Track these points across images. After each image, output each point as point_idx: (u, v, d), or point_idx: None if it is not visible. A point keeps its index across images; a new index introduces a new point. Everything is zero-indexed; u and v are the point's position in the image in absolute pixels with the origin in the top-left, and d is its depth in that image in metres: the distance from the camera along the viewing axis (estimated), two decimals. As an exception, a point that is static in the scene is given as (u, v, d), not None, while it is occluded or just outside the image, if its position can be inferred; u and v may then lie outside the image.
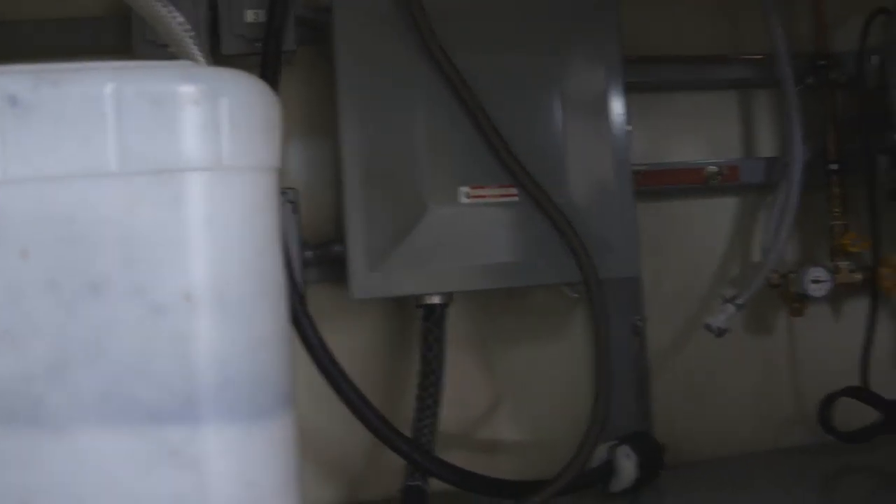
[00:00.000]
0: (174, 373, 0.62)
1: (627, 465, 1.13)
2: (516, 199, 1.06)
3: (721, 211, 1.35)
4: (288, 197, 1.03)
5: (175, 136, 0.62)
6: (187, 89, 0.63)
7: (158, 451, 0.62)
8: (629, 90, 1.13)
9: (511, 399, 1.25)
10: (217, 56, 1.04)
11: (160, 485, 0.63)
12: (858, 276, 1.31)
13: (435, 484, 1.07)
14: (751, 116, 1.36)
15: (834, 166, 1.31)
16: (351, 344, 1.16)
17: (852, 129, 1.32)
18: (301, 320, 0.97)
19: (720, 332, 1.19)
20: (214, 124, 0.63)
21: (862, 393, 1.30)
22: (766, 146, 1.36)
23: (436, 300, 1.07)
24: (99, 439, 0.61)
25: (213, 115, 0.63)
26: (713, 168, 1.29)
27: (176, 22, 0.76)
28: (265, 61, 1.00)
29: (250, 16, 1.02)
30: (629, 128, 1.13)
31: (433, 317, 1.07)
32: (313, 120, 1.15)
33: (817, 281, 1.29)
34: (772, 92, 1.34)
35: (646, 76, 1.26)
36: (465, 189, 1.04)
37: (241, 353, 0.65)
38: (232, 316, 0.64)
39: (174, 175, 0.62)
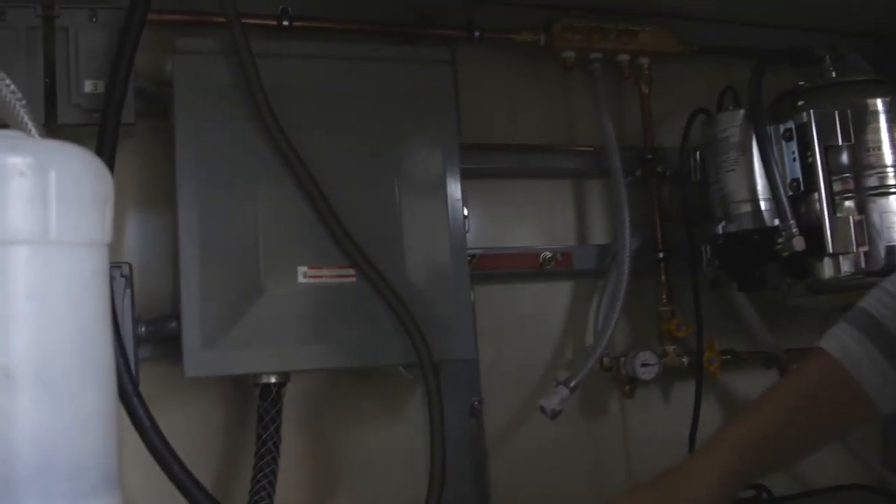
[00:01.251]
0: (-11, 454, 0.59)
1: (463, 548, 1.13)
2: (353, 279, 1.06)
3: (556, 295, 1.39)
4: (121, 271, 1.01)
5: (0, 207, 0.60)
6: (14, 161, 0.61)
7: (-30, 538, 0.59)
8: (467, 176, 1.17)
9: (350, 480, 1.24)
10: (53, 126, 1.01)
11: (-30, 574, 0.60)
12: (684, 360, 1.37)
13: (267, 569, 1.04)
14: (584, 205, 1.42)
15: (661, 255, 1.38)
16: (186, 424, 1.13)
17: (678, 220, 1.40)
18: (131, 400, 0.95)
19: (554, 414, 1.22)
20: (42, 197, 0.62)
21: (689, 473, 1.35)
22: (599, 233, 1.42)
23: (272, 380, 1.06)
24: None
25: (40, 188, 0.62)
26: (548, 253, 1.33)
27: (8, 90, 0.74)
28: (102, 133, 0.98)
29: (89, 86, 1.01)
30: (466, 213, 1.16)
31: (269, 396, 1.06)
32: (151, 194, 1.13)
33: (646, 364, 1.34)
34: (604, 182, 1.40)
35: (483, 163, 1.30)
36: (303, 269, 1.04)
37: (63, 434, 0.63)
38: (54, 394, 0.62)
39: (-3, 247, 0.60)
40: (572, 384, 1.22)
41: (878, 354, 0.84)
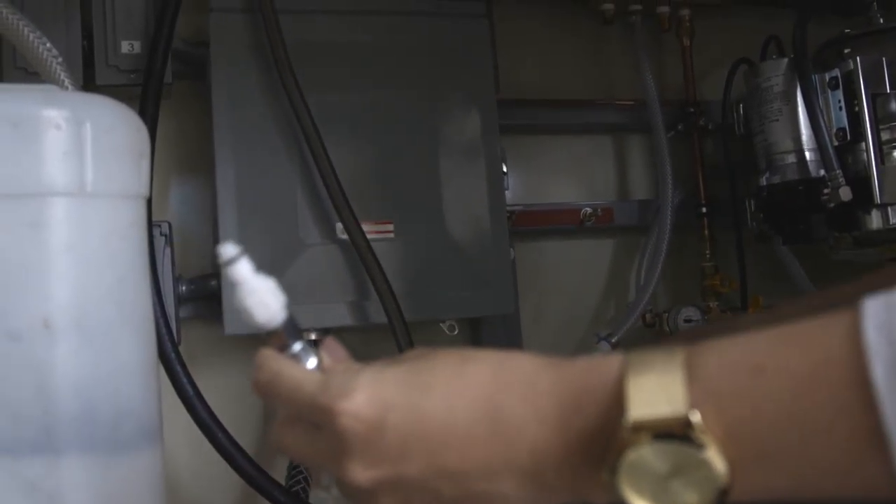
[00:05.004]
0: (31, 403, 0.60)
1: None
2: (392, 235, 1.06)
3: (597, 252, 1.38)
4: (161, 230, 1.02)
5: (36, 160, 0.61)
6: (50, 113, 0.62)
7: (15, 485, 0.60)
8: (505, 132, 1.16)
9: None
10: (92, 87, 1.02)
11: (17, 520, 0.61)
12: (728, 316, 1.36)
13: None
14: (625, 160, 1.40)
15: (703, 209, 1.36)
16: (226, 382, 1.13)
17: (722, 174, 1.38)
18: (170, 358, 0.95)
19: None
20: (77, 149, 0.62)
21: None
22: (640, 189, 1.40)
23: (312, 336, 1.06)
24: (-50, 471, 0.59)
25: (76, 140, 0.62)
26: (588, 209, 1.32)
27: (44, 47, 0.75)
28: (145, 93, 0.99)
29: (125, 47, 1.01)
30: (505, 169, 1.15)
31: (310, 353, 1.06)
32: (190, 154, 1.14)
33: (689, 320, 1.32)
34: (645, 137, 1.38)
35: (521, 119, 1.29)
36: (341, 225, 1.04)
37: (102, 383, 0.64)
38: (92, 344, 0.63)
39: (35, 199, 0.61)
40: (613, 339, 1.21)
41: None
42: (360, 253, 1.02)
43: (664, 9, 1.34)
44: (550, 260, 1.34)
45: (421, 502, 0.51)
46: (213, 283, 1.05)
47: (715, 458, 0.42)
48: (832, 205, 1.20)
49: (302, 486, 1.02)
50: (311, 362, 0.58)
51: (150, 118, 0.98)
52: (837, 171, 1.19)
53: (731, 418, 0.43)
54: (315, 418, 0.53)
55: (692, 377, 0.44)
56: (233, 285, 0.56)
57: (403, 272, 1.06)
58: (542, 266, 1.33)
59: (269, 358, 0.57)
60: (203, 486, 1.13)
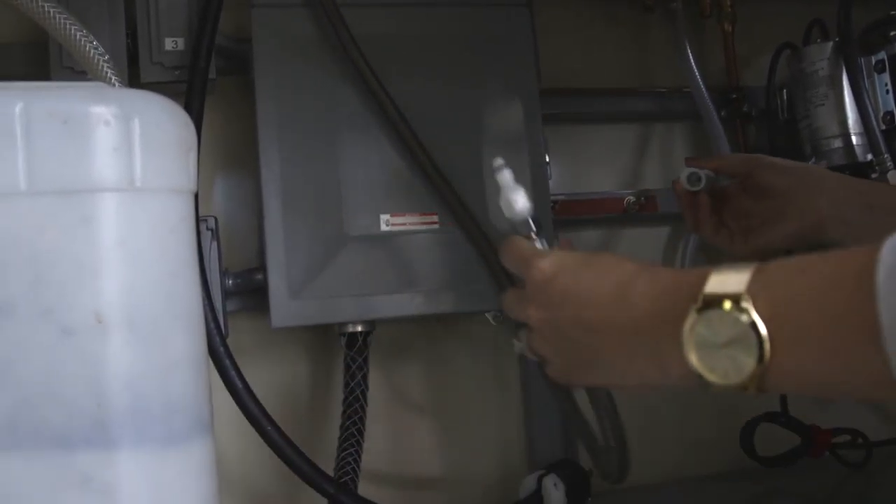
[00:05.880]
0: (85, 396, 0.61)
1: (556, 494, 1.13)
2: (437, 226, 1.06)
3: (642, 240, 1.37)
4: (207, 224, 1.02)
5: (86, 156, 0.62)
6: (98, 109, 0.62)
7: (70, 477, 0.61)
8: (547, 121, 1.15)
9: (440, 431, 1.25)
10: (137, 85, 1.03)
11: (72, 512, 0.62)
12: (775, 304, 1.34)
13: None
14: (669, 148, 1.39)
15: (747, 196, 1.34)
16: (273, 375, 1.15)
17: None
18: (219, 352, 0.96)
19: None
20: (126, 145, 0.63)
21: (782, 418, 1.33)
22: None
23: (358, 328, 1.07)
24: (8, 464, 0.60)
25: (125, 136, 0.63)
26: (632, 198, 1.31)
27: (91, 46, 0.76)
28: (190, 89, 1.00)
29: (169, 44, 1.02)
30: (547, 158, 1.15)
31: (356, 345, 1.07)
32: (234, 149, 1.15)
33: (735, 308, 1.31)
34: (688, 124, 1.37)
35: (563, 108, 1.28)
36: (385, 216, 1.04)
37: (154, 377, 0.64)
38: (144, 338, 0.64)
39: (85, 195, 0.62)
40: None
41: None
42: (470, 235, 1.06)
43: (706, -6, 1.33)
44: (594, 249, 1.33)
45: (564, 347, 0.72)
46: (259, 276, 1.06)
47: (758, 327, 0.55)
48: (880, 189, 1.18)
49: (350, 476, 1.03)
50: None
51: (195, 114, 0.99)
52: (885, 156, 1.18)
53: (775, 302, 0.55)
54: (521, 271, 0.76)
55: (756, 274, 0.57)
56: (500, 185, 0.81)
57: (448, 263, 1.06)
58: (586, 256, 1.32)
59: (513, 237, 0.81)
60: (252, 478, 1.14)
